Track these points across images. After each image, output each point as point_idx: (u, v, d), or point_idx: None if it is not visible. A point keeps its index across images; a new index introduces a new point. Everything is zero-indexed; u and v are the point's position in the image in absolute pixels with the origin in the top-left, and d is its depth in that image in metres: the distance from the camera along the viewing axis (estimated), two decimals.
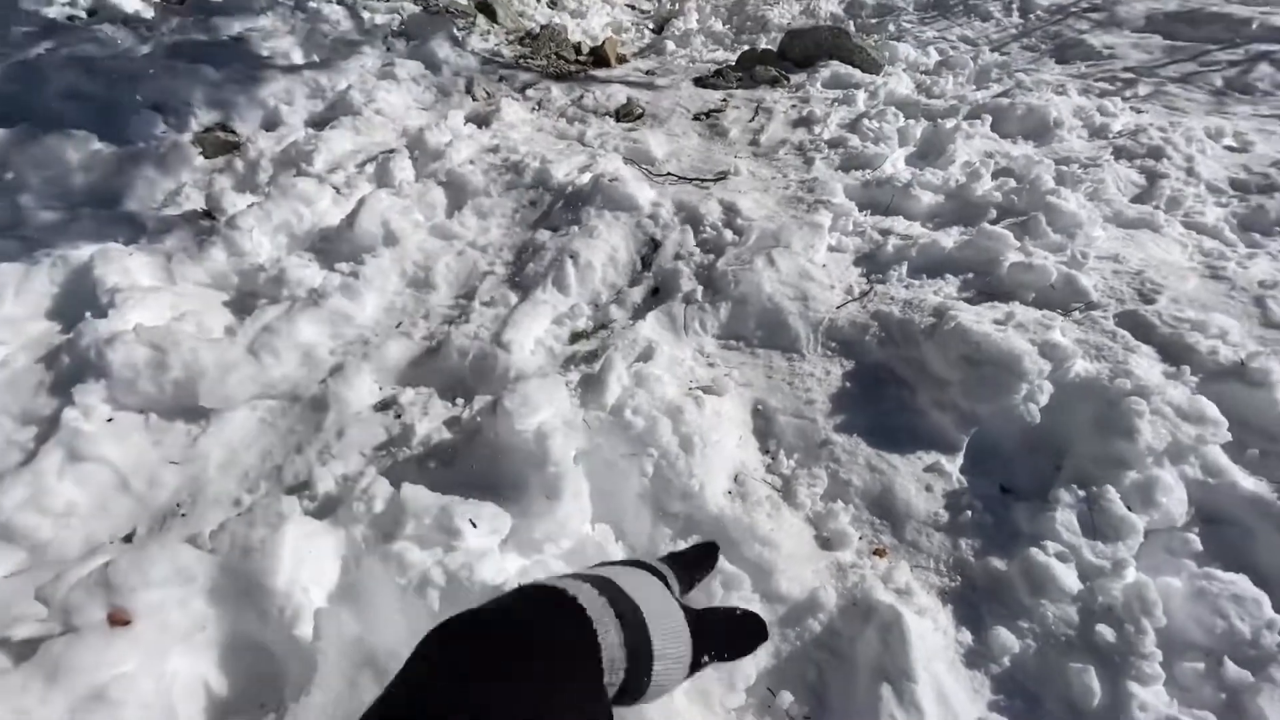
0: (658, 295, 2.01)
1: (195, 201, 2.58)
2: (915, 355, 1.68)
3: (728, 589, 1.24)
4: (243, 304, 2.11)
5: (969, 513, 1.39)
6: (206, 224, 2.36)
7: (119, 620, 1.07)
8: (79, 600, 1.07)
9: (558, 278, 2.02)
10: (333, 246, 2.23)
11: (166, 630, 1.10)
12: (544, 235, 2.23)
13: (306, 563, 1.19)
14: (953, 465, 1.49)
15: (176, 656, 1.11)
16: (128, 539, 1.54)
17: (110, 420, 1.72)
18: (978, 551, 1.34)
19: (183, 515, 1.57)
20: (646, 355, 1.70)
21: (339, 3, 4.07)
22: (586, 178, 2.41)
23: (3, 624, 1.32)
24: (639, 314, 1.94)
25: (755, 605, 1.25)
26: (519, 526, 1.35)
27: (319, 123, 2.97)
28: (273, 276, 2.08)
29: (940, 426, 1.56)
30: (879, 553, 1.36)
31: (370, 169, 2.55)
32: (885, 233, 2.13)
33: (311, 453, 1.67)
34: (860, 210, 2.26)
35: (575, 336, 1.97)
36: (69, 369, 1.80)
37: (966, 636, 1.23)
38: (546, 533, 1.37)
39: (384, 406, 1.80)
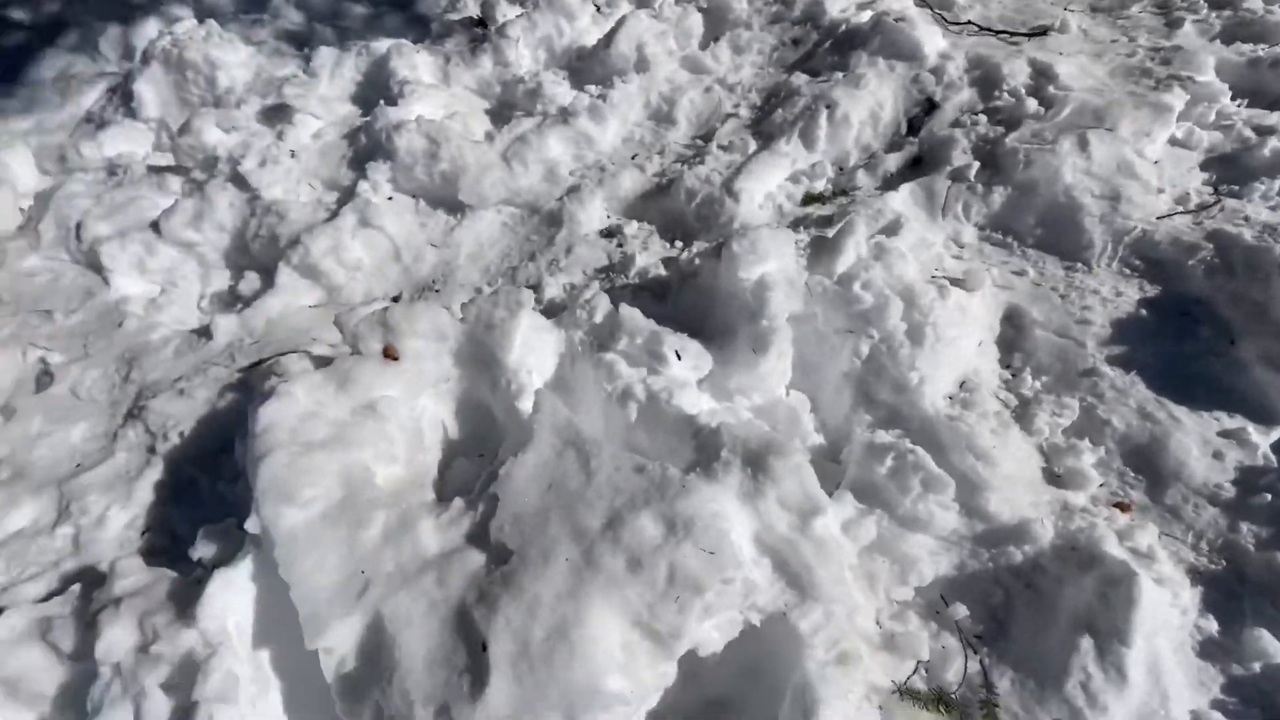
0: (919, 166, 1.74)
1: (472, 9, 2.71)
2: (1256, 295, 1.30)
3: (927, 489, 1.15)
4: (500, 113, 2.24)
5: (1268, 496, 1.11)
6: (480, 31, 2.48)
7: (391, 355, 1.28)
8: (364, 332, 1.30)
9: (806, 129, 1.84)
10: (586, 66, 2.23)
11: (422, 374, 1.31)
12: (800, 80, 2.01)
13: (533, 350, 1.32)
14: (1263, 437, 1.18)
15: (426, 397, 1.32)
16: (394, 299, 1.84)
17: (390, 199, 1.99)
18: (1262, 542, 1.08)
19: (436, 290, 1.82)
20: (892, 229, 1.52)
21: None
22: (866, 16, 2.08)
23: (308, 339, 1.69)
24: (890, 184, 1.72)
25: (952, 515, 1.16)
26: (718, 371, 1.36)
27: None
28: (530, 90, 2.16)
29: (1261, 387, 1.22)
30: (1122, 506, 1.16)
31: None
32: (1265, 131, 1.58)
33: (543, 261, 1.80)
34: (1233, 98, 1.69)
35: (809, 199, 1.81)
36: (365, 148, 2.08)
37: (1212, 625, 1.03)
38: (742, 384, 1.36)
39: (609, 234, 1.86)
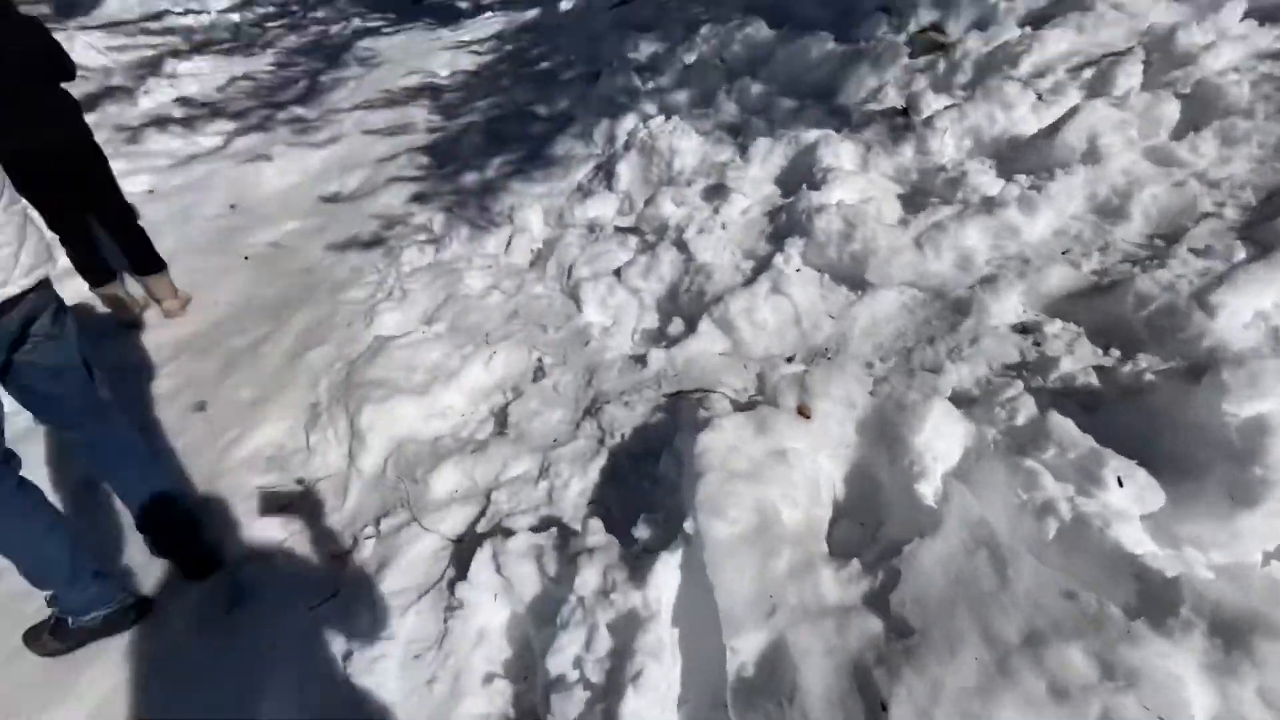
0: None
1: (893, 99, 2.87)
2: None
3: None
4: (914, 198, 2.32)
5: None
6: (901, 120, 2.62)
7: (804, 413, 1.46)
8: (784, 388, 1.51)
9: None
10: (1019, 155, 2.17)
11: (827, 434, 1.45)
12: None
13: (941, 436, 1.35)
14: None
15: (825, 456, 1.46)
16: (789, 359, 2.06)
17: (799, 271, 2.24)
18: None
19: (829, 357, 1.97)
20: None
21: None
22: None
23: (718, 381, 2.00)
24: None
25: None
26: (1168, 511, 1.18)
27: (1037, 20, 2.80)
28: (950, 178, 2.20)
29: None
30: None
31: (1086, 74, 2.29)
32: None
33: (942, 347, 1.80)
34: None
35: None
36: (784, 225, 2.39)
37: None
38: (1200, 535, 1.16)
39: (1024, 330, 1.76)
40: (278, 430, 2.33)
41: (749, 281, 2.23)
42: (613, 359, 2.26)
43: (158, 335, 2.99)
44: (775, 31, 3.59)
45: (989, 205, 1.99)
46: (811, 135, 2.63)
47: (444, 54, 7.18)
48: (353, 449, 2.12)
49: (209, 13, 9.44)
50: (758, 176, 2.67)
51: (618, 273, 2.59)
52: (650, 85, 3.98)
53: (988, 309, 1.81)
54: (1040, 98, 2.30)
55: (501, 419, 2.12)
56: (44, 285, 1.47)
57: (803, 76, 3.30)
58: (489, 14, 8.95)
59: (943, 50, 2.99)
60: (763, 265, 2.29)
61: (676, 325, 2.30)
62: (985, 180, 2.13)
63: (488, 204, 3.51)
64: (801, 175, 2.54)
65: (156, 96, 6.15)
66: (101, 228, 2.88)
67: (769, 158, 2.71)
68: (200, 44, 8.09)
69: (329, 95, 6.44)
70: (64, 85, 2.60)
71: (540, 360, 2.33)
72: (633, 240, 2.78)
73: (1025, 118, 2.27)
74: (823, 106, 3.07)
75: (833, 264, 2.14)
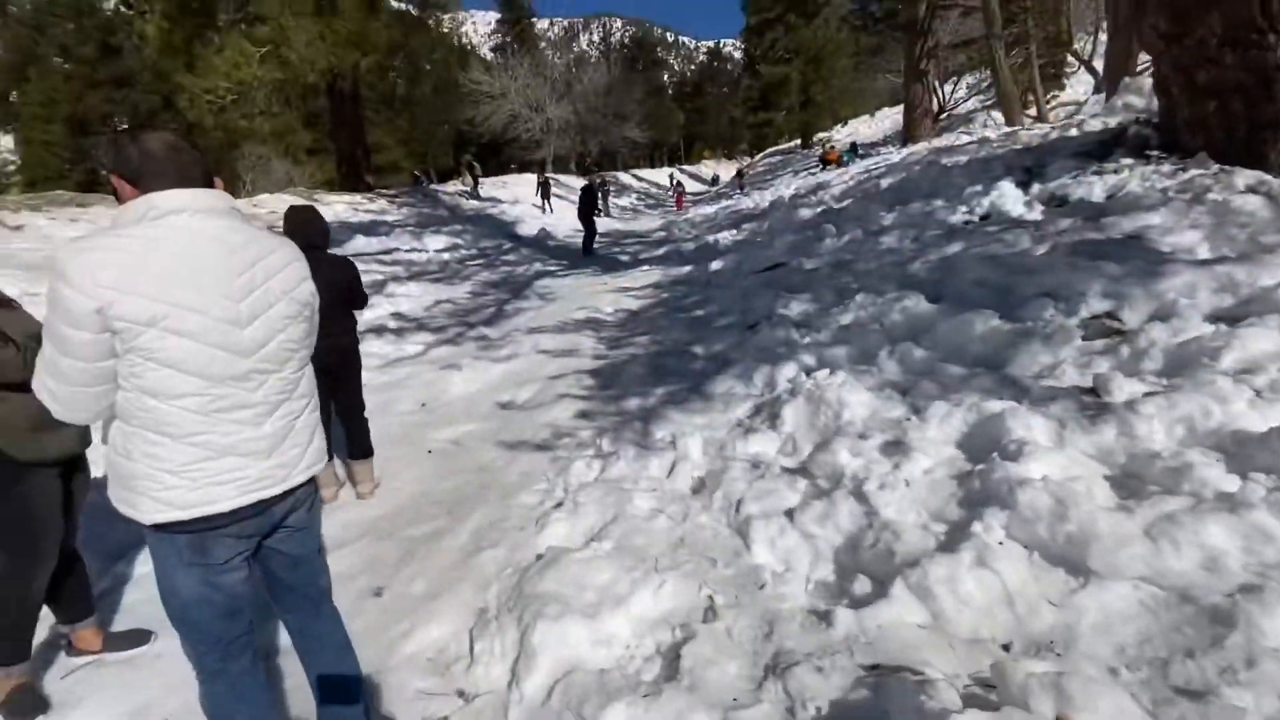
0: None
1: (1073, 378, 2.90)
2: None
3: None
4: (1125, 483, 2.20)
5: None
6: (1090, 400, 2.61)
7: None
8: (1035, 690, 1.34)
9: None
10: (1249, 452, 2.05)
11: None
12: None
13: None
14: None
15: None
16: (1005, 648, 1.85)
17: (1002, 544, 2.12)
18: None
19: (1057, 653, 1.75)
20: None
21: (1256, 192, 3.81)
22: None
23: (920, 658, 1.81)
24: None
25: None
26: None
27: (1225, 318, 2.84)
28: (1170, 468, 2.09)
29: None
30: None
31: None
32: None
33: (1209, 665, 1.55)
34: None
35: None
36: (977, 492, 2.33)
37: None
38: None
39: None
40: (444, 630, 2.34)
41: (945, 548, 2.13)
42: (791, 610, 2.14)
43: (345, 515, 3.27)
44: (935, 306, 3.87)
45: (1230, 503, 1.84)
46: (994, 405, 2.67)
47: (608, 295, 8.33)
48: (518, 667, 2.07)
49: (427, 251, 11.82)
50: (936, 438, 2.69)
51: (789, 514, 2.57)
52: (807, 339, 4.32)
53: (1259, 627, 1.57)
54: (1259, 394, 2.23)
55: (670, 659, 2.02)
56: (311, 480, 1.60)
57: (966, 347, 3.46)
58: (646, 267, 10.46)
59: (1120, 337, 3.05)
60: (957, 531, 2.20)
61: (862, 584, 2.18)
62: (1214, 474, 2.00)
63: (651, 428, 3.75)
64: (988, 444, 2.53)
65: (378, 310, 7.52)
66: (336, 414, 3.38)
67: (947, 421, 2.75)
68: (416, 273, 10.01)
69: (511, 320, 7.56)
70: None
71: (711, 599, 2.26)
72: (802, 483, 2.79)
73: (1245, 413, 2.18)
74: (992, 376, 3.14)
75: (1044, 543, 2.01)
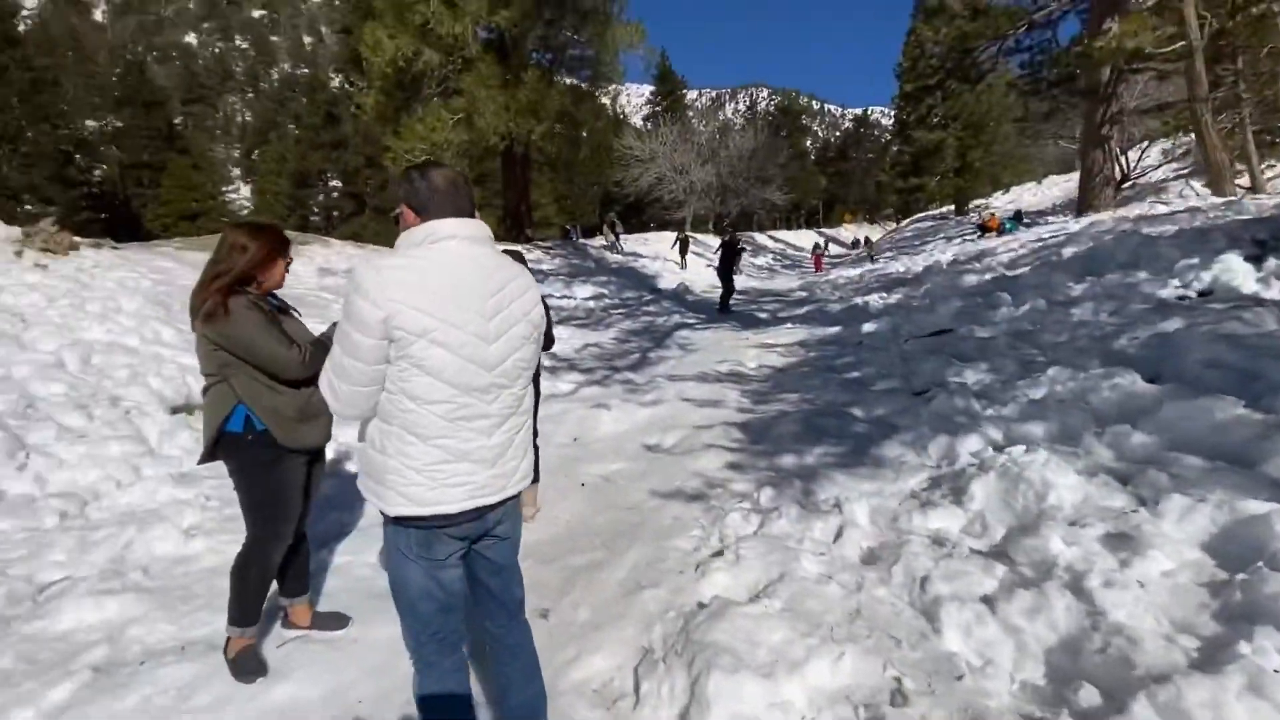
0: None
1: None
2: None
3: None
4: None
5: None
6: None
7: None
8: None
9: None
10: None
11: None
12: None
13: None
14: None
15: None
16: None
17: (1277, 671, 1.74)
18: None
19: None
20: None
21: None
22: None
23: None
24: None
25: None
26: None
27: None
28: None
29: None
30: None
31: None
32: None
33: None
34: None
35: None
36: (1238, 605, 1.95)
37: None
38: None
39: None
40: (609, 663, 2.33)
41: (1202, 666, 1.79)
42: (999, 710, 1.89)
43: None
44: (1155, 387, 3.41)
45: None
46: (1254, 505, 2.26)
47: (750, 350, 8.27)
48: (690, 715, 1.99)
49: (575, 299, 12.53)
50: (1177, 536, 2.31)
51: (987, 601, 2.31)
52: (989, 412, 3.96)
53: None
54: None
55: None
56: (518, 494, 1.67)
57: (1202, 437, 2.98)
58: (788, 325, 10.30)
59: None
60: (1217, 649, 1.84)
61: (1088, 694, 1.87)
62: None
63: (812, 489, 3.59)
64: (1248, 551, 2.13)
65: None
66: None
67: (1189, 518, 2.36)
68: (565, 318, 10.61)
69: (654, 367, 7.72)
70: None
71: (899, 681, 2.06)
72: (999, 568, 2.51)
73: None
74: (1241, 473, 2.67)
75: None
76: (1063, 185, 34.05)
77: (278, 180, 52.68)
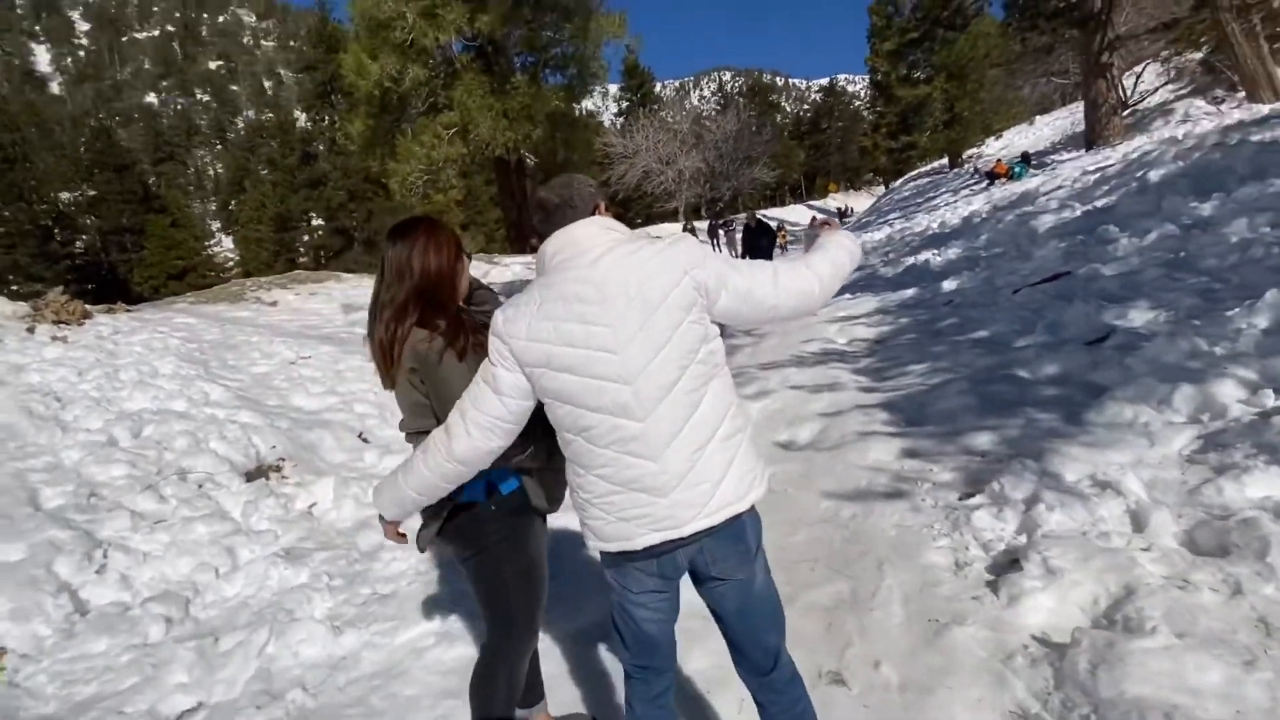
0: None
1: None
2: None
3: None
4: None
5: None
6: None
7: None
8: None
9: None
10: None
11: None
12: None
13: None
14: None
15: None
16: None
17: None
18: None
19: None
20: None
21: None
22: None
23: None
24: None
25: None
26: None
27: None
28: None
29: None
30: None
31: None
32: None
33: None
34: None
35: None
36: None
37: None
38: None
39: None
40: None
41: None
42: None
43: None
44: None
45: None
46: None
47: (829, 326, 7.67)
48: None
49: None
50: None
51: None
52: (1218, 350, 3.38)
53: None
54: None
55: None
56: (737, 517, 1.43)
57: None
58: (847, 295, 9.70)
59: None
60: None
61: None
62: None
63: (1049, 470, 2.99)
64: None
65: None
66: None
67: None
68: None
69: (732, 358, 7.13)
70: None
71: None
72: None
73: None
74: None
75: None
76: (1053, 124, 33.47)
77: (259, 227, 52.06)
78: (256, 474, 4.57)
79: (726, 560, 1.39)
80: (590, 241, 1.37)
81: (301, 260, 46.96)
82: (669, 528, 1.32)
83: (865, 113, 64.02)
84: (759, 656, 1.48)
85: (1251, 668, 1.67)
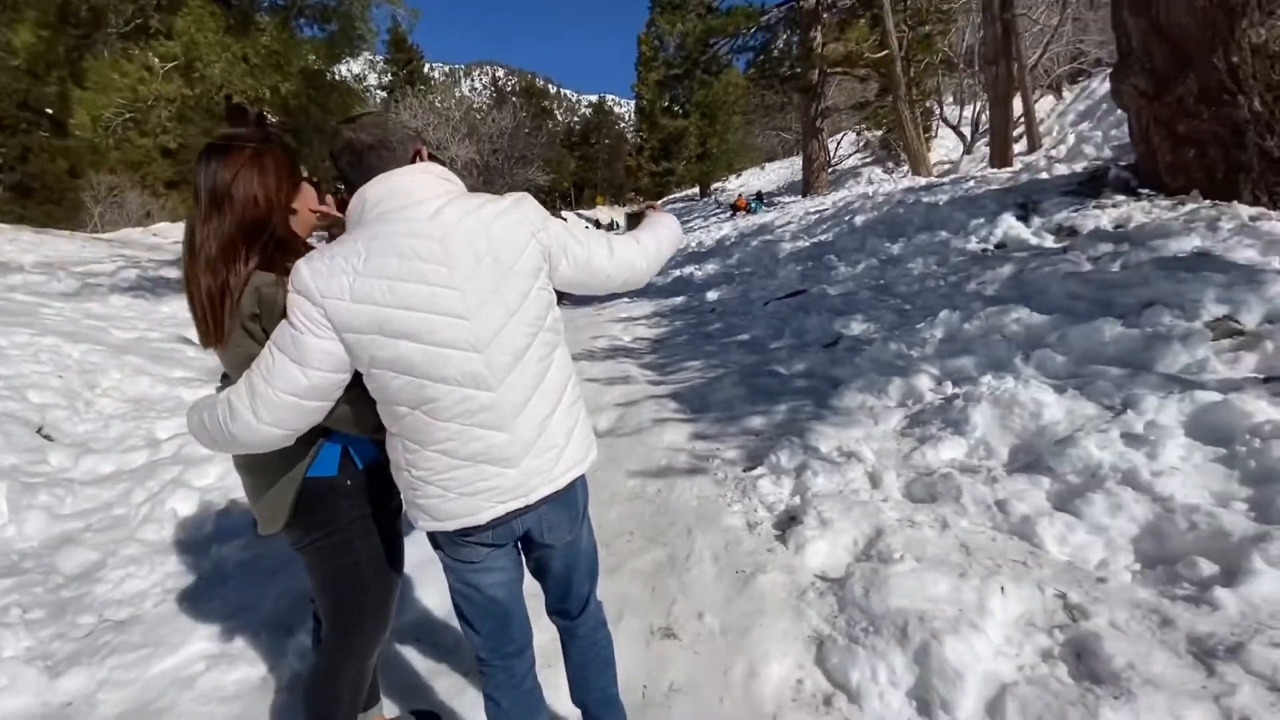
0: None
1: (1225, 372, 3.20)
2: None
3: None
4: None
5: None
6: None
7: None
8: None
9: None
10: None
11: None
12: None
13: None
14: None
15: None
16: None
17: None
18: None
19: None
20: None
21: (1264, 220, 4.53)
22: None
23: None
24: None
25: None
26: None
27: None
28: None
29: None
30: None
31: None
32: None
33: None
34: None
35: None
36: (1255, 471, 2.47)
37: None
38: None
39: None
40: (789, 666, 2.06)
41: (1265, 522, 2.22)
42: (1170, 599, 2.11)
43: None
44: (1048, 316, 4.15)
45: None
46: (1209, 395, 2.87)
47: (613, 325, 8.11)
48: (933, 692, 1.85)
49: None
50: (1170, 426, 2.83)
51: (1064, 510, 2.57)
52: (914, 353, 4.44)
53: None
54: None
55: (1073, 654, 1.90)
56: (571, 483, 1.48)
57: (1101, 351, 3.72)
58: (625, 299, 10.34)
59: (1243, 336, 3.43)
60: (1263, 508, 2.31)
61: (1207, 567, 2.20)
62: None
63: (809, 444, 3.62)
64: (1226, 430, 2.70)
65: None
66: None
67: (1163, 411, 2.91)
68: None
69: None
70: None
71: (1063, 596, 2.17)
72: (1045, 480, 2.81)
73: None
74: (1152, 375, 3.38)
75: None
76: (779, 171, 40.08)
77: None
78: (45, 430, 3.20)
79: (560, 526, 1.40)
80: (424, 191, 1.24)
81: None
82: (518, 497, 1.29)
83: (630, 135, 68.68)
84: (571, 604, 1.54)
85: (964, 578, 2.25)
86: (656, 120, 40.85)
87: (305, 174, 1.48)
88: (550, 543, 1.41)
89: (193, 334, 1.42)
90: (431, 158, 1.38)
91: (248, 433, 1.22)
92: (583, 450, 1.39)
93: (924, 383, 4.00)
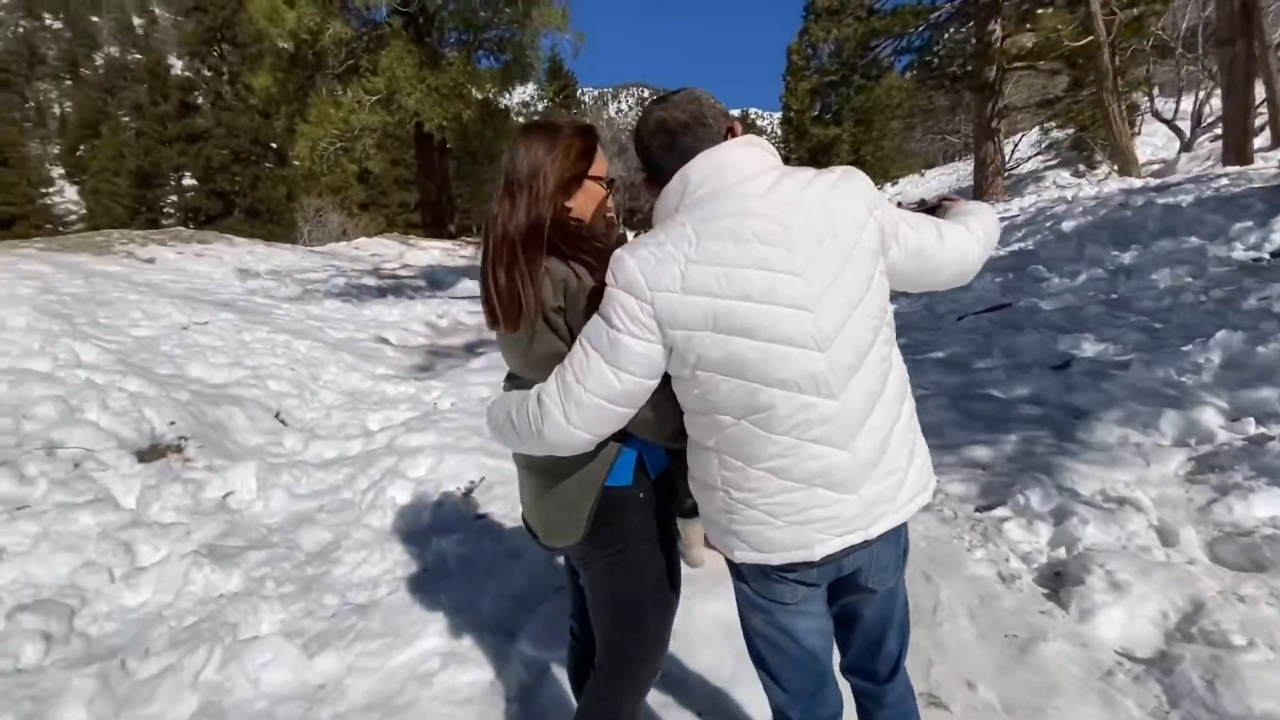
0: None
1: None
2: None
3: None
4: None
5: None
6: None
7: None
8: None
9: None
10: None
11: None
12: None
13: None
14: None
15: None
16: None
17: None
18: None
19: None
20: None
21: None
22: None
23: None
24: None
25: None
26: None
27: None
28: None
29: None
30: None
31: None
32: None
33: None
34: None
35: None
36: None
37: None
38: None
39: None
40: None
41: None
42: None
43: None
44: None
45: None
46: None
47: None
48: None
49: None
50: None
51: None
52: (1190, 380, 3.64)
53: None
54: None
55: None
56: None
57: None
58: None
59: None
60: None
61: None
62: None
63: (1062, 484, 3.04)
64: None
65: None
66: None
67: None
68: None
69: None
70: None
71: None
72: None
73: None
74: None
75: None
76: (940, 177, 36.99)
77: (114, 179, 45.65)
78: (153, 454, 3.75)
79: (889, 568, 1.20)
80: (754, 166, 1.08)
81: (166, 222, 41.66)
82: (858, 529, 1.09)
83: (777, 146, 67.44)
84: (881, 664, 1.29)
85: None
86: (805, 130, 39.61)
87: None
88: (874, 587, 1.19)
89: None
90: (748, 129, 1.21)
91: (557, 434, 1.11)
92: (925, 476, 1.19)
93: (1210, 417, 3.24)
